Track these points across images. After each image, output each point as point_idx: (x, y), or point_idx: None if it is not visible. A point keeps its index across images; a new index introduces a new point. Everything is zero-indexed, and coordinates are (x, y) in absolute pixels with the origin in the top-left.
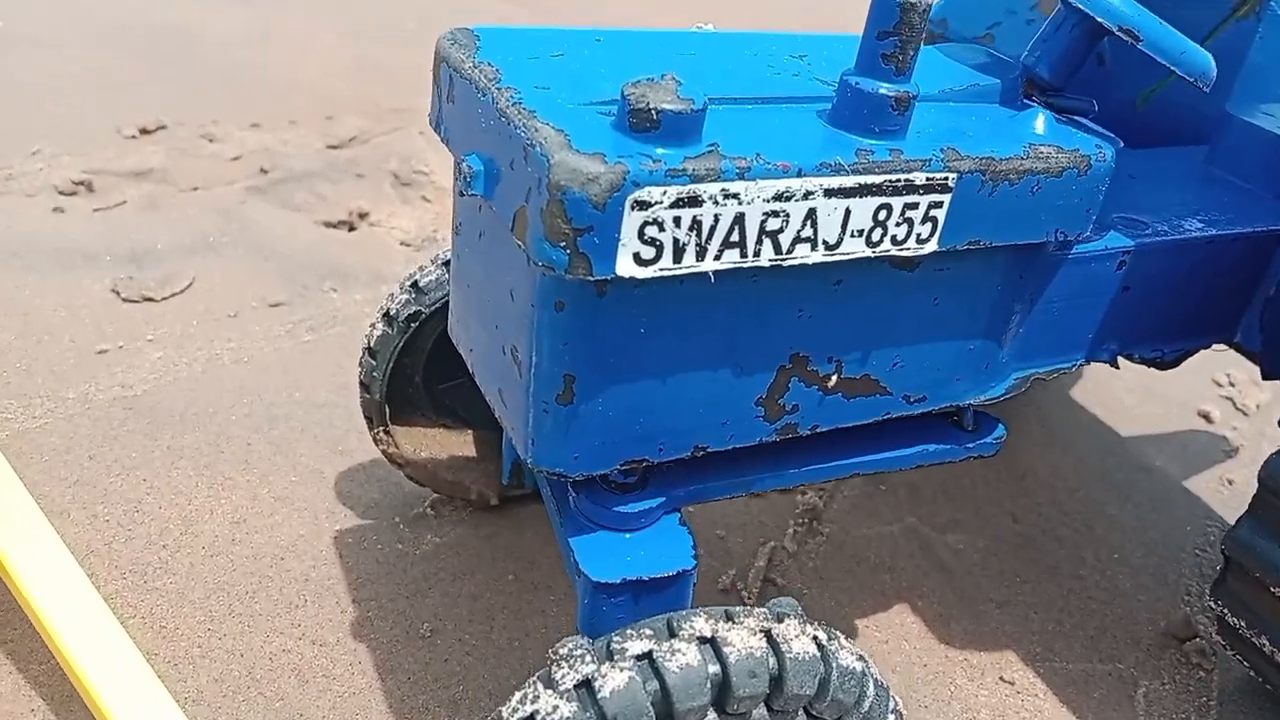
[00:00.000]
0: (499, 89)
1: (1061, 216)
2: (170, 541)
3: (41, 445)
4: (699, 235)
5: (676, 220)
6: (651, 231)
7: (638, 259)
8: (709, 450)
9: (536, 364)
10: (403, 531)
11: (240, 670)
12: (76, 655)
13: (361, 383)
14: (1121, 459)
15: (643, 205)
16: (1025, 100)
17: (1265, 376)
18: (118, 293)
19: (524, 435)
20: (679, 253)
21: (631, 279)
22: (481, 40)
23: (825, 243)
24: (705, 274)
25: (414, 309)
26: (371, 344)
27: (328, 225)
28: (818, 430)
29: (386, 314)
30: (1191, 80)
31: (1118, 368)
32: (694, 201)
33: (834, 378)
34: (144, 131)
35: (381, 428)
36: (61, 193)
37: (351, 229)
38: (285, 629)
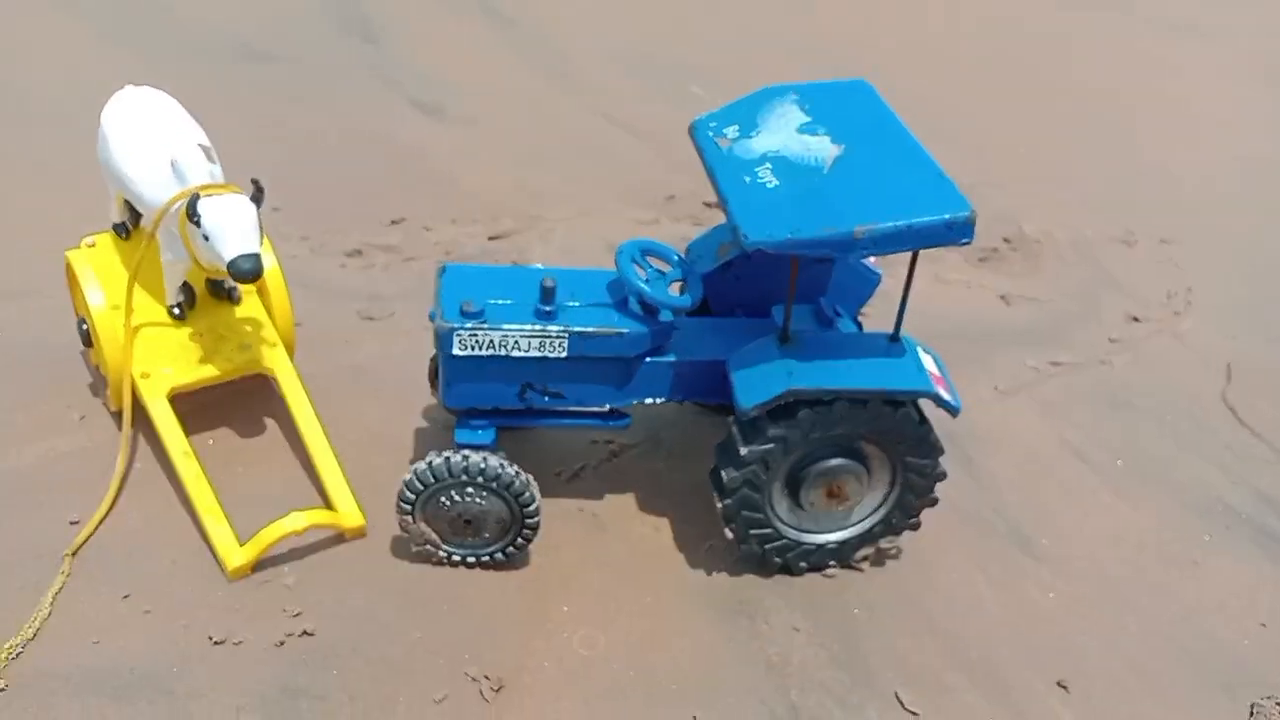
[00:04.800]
0: (439, 296)
1: (622, 347)
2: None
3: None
4: (480, 345)
5: (472, 340)
6: (464, 343)
7: (459, 349)
8: (499, 409)
9: (441, 370)
10: None
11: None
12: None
13: (429, 371)
14: None
15: (458, 335)
16: (635, 305)
17: (736, 413)
18: (358, 315)
19: (438, 394)
20: (475, 348)
21: (460, 353)
22: (447, 272)
23: (521, 349)
24: (489, 352)
25: None
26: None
27: None
28: (544, 409)
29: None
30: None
31: (682, 403)
32: (476, 334)
33: (545, 391)
34: (393, 222)
35: (433, 386)
36: (347, 255)
37: None
38: None
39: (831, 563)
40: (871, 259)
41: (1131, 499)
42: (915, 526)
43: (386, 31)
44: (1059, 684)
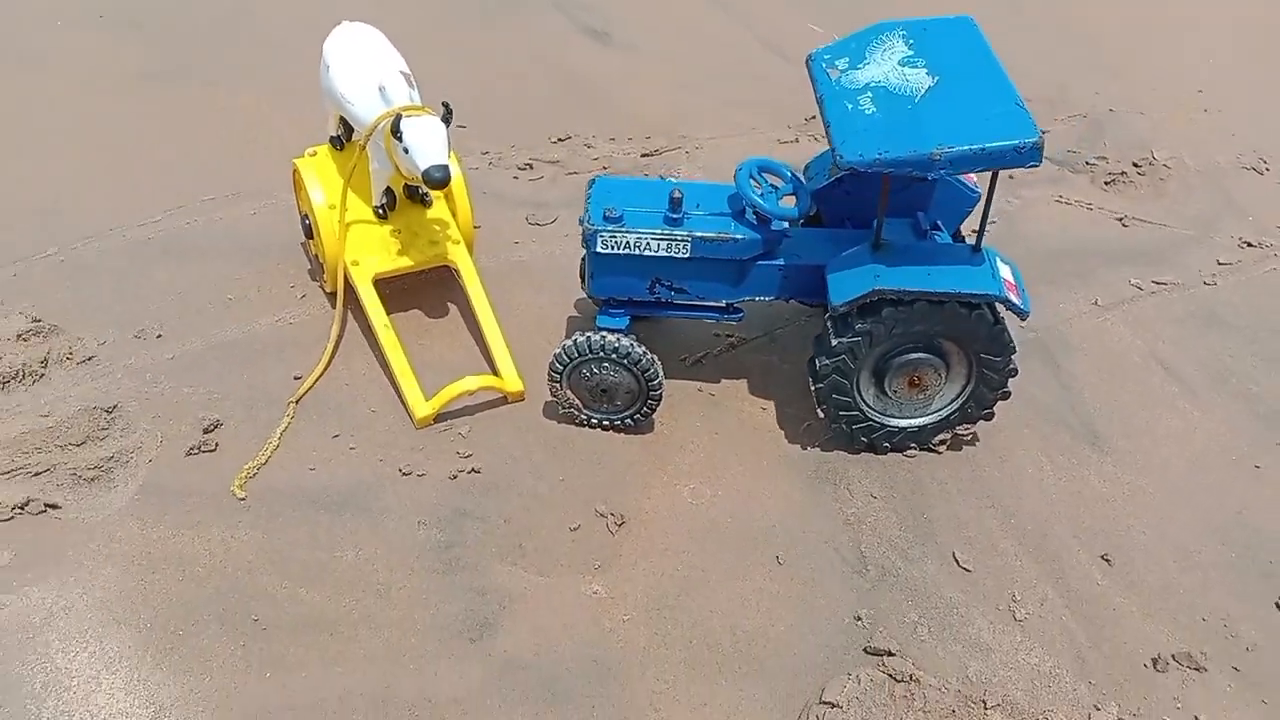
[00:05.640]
0: (587, 204)
1: (736, 251)
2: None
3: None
4: (618, 245)
5: (612, 240)
6: (605, 242)
7: (601, 247)
8: (633, 299)
9: (588, 265)
10: None
11: None
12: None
13: (580, 268)
14: None
15: (601, 236)
16: (750, 215)
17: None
18: (526, 220)
19: (586, 286)
20: (615, 247)
21: (602, 251)
22: (595, 184)
23: (652, 249)
24: (626, 251)
25: None
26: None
27: None
28: (670, 302)
29: (583, 237)
30: (786, 220)
31: (788, 302)
32: (616, 236)
33: (671, 286)
34: (559, 140)
35: (582, 281)
36: (519, 168)
37: None
38: None
39: (912, 445)
40: (972, 179)
41: (1206, 406)
42: (989, 417)
43: None
44: (1103, 557)
